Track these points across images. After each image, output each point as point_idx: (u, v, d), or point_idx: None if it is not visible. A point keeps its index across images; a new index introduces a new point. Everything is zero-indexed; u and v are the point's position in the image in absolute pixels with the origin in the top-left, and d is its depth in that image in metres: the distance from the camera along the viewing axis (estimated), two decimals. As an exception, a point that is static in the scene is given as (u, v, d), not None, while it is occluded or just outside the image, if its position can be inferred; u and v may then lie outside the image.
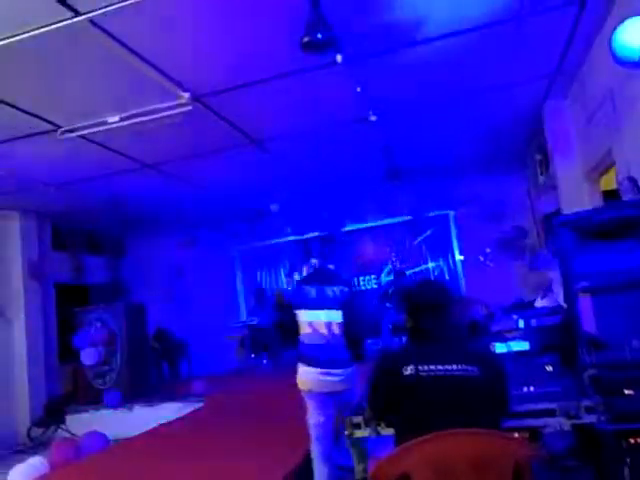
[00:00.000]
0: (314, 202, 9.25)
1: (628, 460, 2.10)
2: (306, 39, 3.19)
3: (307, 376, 3.16)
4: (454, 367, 1.87)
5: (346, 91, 4.76)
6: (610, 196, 5.26)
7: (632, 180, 3.76)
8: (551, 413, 2.11)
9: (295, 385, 3.18)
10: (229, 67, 4.17)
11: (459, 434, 1.64)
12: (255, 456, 3.51)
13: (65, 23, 3.22)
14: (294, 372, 3.22)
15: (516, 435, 1.90)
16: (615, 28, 3.03)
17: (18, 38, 3.30)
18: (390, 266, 9.43)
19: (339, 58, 3.99)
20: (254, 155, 6.29)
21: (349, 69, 4.30)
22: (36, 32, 3.27)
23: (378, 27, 3.79)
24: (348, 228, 9.63)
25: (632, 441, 2.07)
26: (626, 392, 2.13)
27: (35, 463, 4.09)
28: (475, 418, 1.77)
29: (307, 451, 3.36)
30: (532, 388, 2.32)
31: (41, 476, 3.91)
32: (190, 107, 4.54)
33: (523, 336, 3.07)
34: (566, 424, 2.11)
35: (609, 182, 5.27)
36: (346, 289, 3.33)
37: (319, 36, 3.13)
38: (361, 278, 9.59)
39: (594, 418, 2.05)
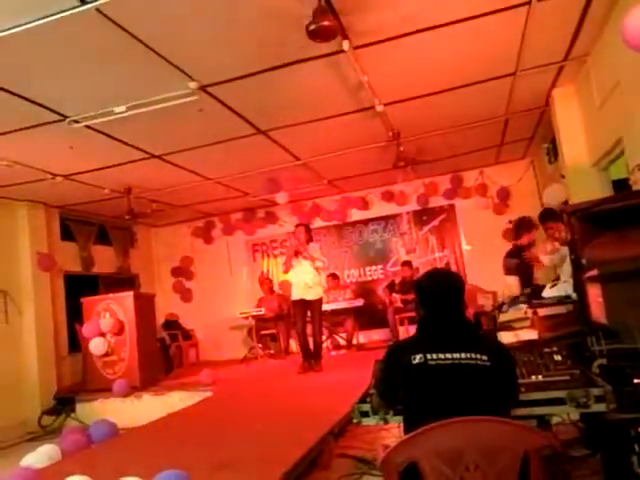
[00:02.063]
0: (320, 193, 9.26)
1: (636, 449, 2.10)
2: (313, 26, 3.17)
3: None
4: (463, 356, 1.88)
5: (353, 79, 4.74)
6: (620, 185, 5.21)
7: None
8: (560, 402, 2.11)
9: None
10: (236, 56, 4.15)
11: (467, 421, 1.64)
12: (264, 442, 3.54)
13: (71, 12, 3.21)
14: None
15: (525, 423, 1.89)
16: (626, 12, 2.98)
17: (23, 28, 3.30)
18: (397, 256, 9.42)
19: (346, 45, 3.95)
20: (261, 145, 6.27)
21: (356, 56, 4.26)
22: (41, 21, 3.26)
23: (387, 11, 3.75)
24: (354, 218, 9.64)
25: (641, 429, 2.07)
26: (635, 381, 2.12)
27: (47, 451, 4.13)
28: (483, 407, 1.78)
29: (318, 436, 3.40)
30: (540, 377, 2.31)
31: (53, 463, 3.96)
32: (197, 96, 4.53)
33: (531, 325, 3.06)
34: (574, 413, 2.11)
35: (619, 171, 5.22)
36: None
37: (326, 23, 3.11)
38: (367, 268, 9.60)
39: (603, 407, 2.04)
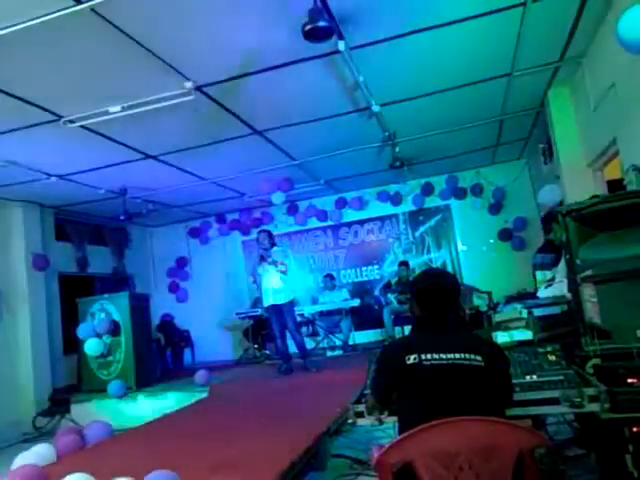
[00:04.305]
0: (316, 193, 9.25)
1: (630, 448, 2.11)
2: (308, 27, 3.17)
3: None
4: (457, 356, 1.88)
5: (349, 79, 4.74)
6: (615, 185, 5.23)
7: (637, 169, 3.75)
8: (554, 402, 2.12)
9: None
10: (232, 56, 4.14)
11: (462, 421, 1.64)
12: (260, 443, 3.53)
13: (66, 11, 3.20)
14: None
15: (519, 423, 1.89)
16: (621, 12, 2.99)
17: (19, 27, 3.28)
18: (393, 256, 9.43)
19: (341, 46, 3.95)
20: (256, 145, 6.27)
21: (352, 56, 4.26)
22: (37, 21, 3.24)
23: (383, 12, 3.75)
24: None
25: (635, 429, 2.08)
26: (629, 381, 2.13)
27: (41, 451, 4.11)
28: (478, 407, 1.78)
29: (314, 437, 3.40)
30: (535, 377, 2.31)
31: (47, 464, 3.94)
32: (192, 97, 4.52)
33: (526, 325, 3.07)
34: (569, 413, 2.11)
35: (614, 172, 5.23)
36: None
37: (321, 24, 3.11)
38: (363, 268, 9.60)
39: (597, 407, 2.05)
